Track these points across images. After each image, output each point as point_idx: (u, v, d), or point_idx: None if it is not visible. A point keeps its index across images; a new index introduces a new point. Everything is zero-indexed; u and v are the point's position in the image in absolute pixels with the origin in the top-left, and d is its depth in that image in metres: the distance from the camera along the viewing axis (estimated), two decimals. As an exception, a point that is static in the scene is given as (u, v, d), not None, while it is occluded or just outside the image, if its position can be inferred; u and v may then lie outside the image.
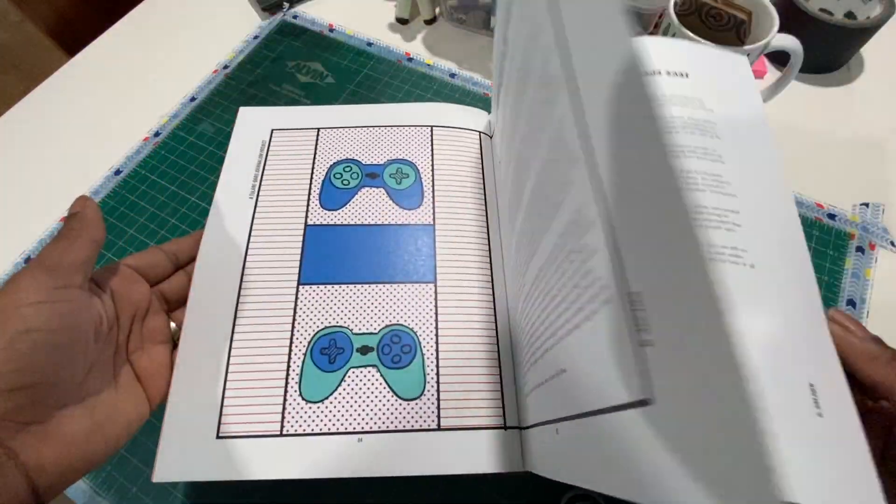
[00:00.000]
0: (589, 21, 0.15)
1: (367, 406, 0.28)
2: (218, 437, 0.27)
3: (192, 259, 0.32)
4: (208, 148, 0.46)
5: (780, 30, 0.35)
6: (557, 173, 0.19)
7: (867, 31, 0.42)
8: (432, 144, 0.37)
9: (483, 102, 0.47)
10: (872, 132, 0.44)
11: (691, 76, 0.26)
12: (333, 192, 0.35)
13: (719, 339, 0.10)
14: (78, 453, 0.22)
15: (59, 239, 0.24)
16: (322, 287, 0.32)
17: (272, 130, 0.38)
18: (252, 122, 0.39)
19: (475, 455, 0.27)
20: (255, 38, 0.53)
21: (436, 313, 0.31)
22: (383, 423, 0.28)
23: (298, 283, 0.32)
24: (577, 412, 0.18)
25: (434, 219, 0.34)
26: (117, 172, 0.45)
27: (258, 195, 0.35)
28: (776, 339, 0.20)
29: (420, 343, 0.30)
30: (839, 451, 0.18)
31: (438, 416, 0.28)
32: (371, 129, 0.38)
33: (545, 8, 0.19)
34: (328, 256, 0.33)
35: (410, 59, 0.51)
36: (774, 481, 0.09)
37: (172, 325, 0.30)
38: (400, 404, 0.28)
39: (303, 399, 0.28)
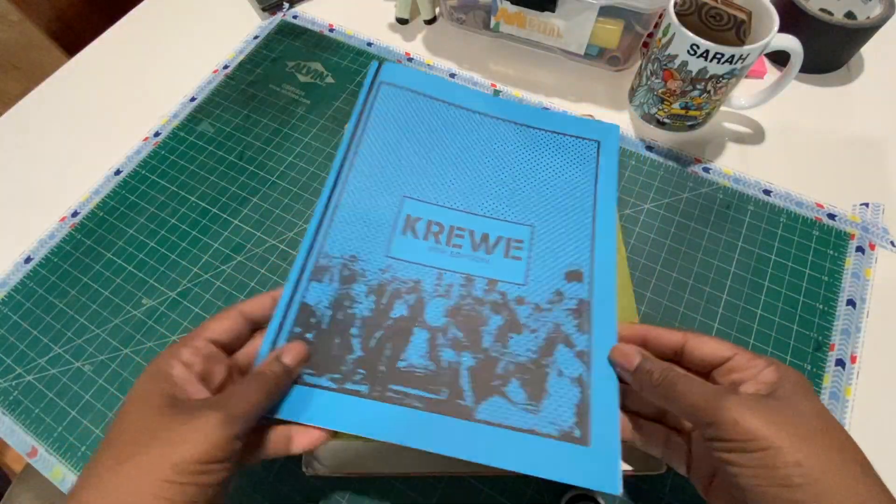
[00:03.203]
0: None
1: None
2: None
3: (267, 321, 0.29)
4: (208, 148, 0.46)
5: (780, 30, 0.35)
6: None
7: (867, 31, 0.42)
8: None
9: (483, 102, 0.47)
10: (872, 132, 0.44)
11: None
12: None
13: None
14: None
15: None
16: None
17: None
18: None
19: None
20: (255, 38, 0.53)
21: None
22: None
23: None
24: None
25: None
26: (117, 172, 0.45)
27: None
28: None
29: None
30: None
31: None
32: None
33: None
34: None
35: (410, 59, 0.51)
36: None
37: None
38: None
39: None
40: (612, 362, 0.28)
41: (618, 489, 0.24)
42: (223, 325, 0.27)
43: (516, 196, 0.34)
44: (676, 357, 0.27)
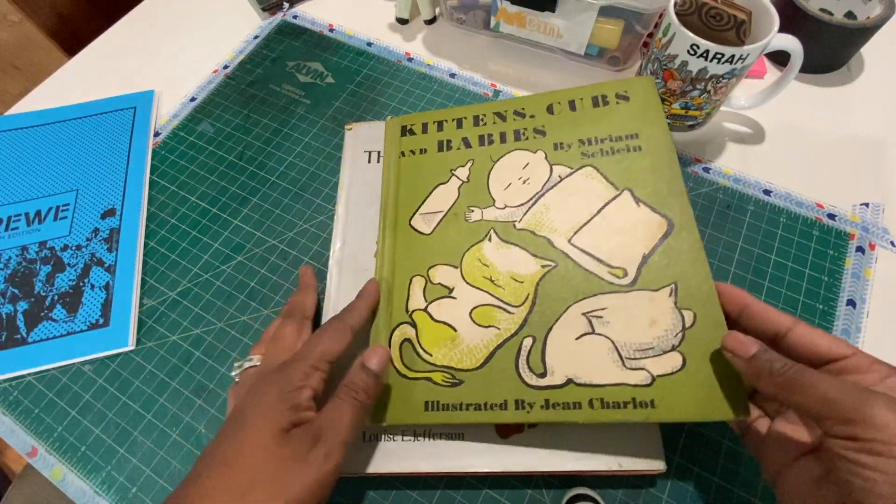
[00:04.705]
0: None
1: None
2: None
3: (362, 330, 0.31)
4: (208, 148, 0.46)
5: (780, 30, 0.35)
6: None
7: (867, 31, 0.42)
8: None
9: (483, 102, 0.47)
10: (872, 132, 0.44)
11: None
12: None
13: None
14: None
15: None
16: None
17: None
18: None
19: None
20: (255, 38, 0.53)
21: None
22: None
23: None
24: None
25: None
26: (117, 172, 0.45)
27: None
28: None
29: None
30: None
31: None
32: None
33: None
34: None
35: (410, 59, 0.51)
36: None
37: None
38: None
39: None
40: (724, 347, 0.25)
41: (127, 344, 0.37)
42: (340, 346, 0.28)
43: (61, 174, 0.44)
44: (776, 342, 0.25)
